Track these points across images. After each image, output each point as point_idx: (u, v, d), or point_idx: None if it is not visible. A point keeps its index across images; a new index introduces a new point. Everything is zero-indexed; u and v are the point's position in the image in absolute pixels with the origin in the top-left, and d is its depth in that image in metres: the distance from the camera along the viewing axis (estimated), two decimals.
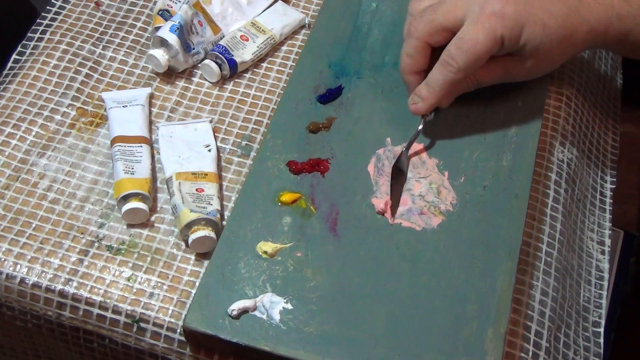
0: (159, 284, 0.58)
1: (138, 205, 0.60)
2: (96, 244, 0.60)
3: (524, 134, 0.64)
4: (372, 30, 0.71)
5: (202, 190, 0.61)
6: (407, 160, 0.62)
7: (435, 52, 0.61)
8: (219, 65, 0.70)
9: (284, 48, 0.75)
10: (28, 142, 0.66)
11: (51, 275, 0.58)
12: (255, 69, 0.73)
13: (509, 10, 0.57)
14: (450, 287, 0.55)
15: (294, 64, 0.71)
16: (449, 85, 0.60)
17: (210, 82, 0.71)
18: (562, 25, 0.59)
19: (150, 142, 0.66)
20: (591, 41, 0.62)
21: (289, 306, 0.54)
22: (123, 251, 0.60)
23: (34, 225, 0.61)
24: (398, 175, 0.61)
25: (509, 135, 0.64)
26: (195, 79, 0.72)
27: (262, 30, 0.73)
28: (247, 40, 0.72)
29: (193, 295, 0.56)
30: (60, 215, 0.62)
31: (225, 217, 0.62)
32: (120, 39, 0.74)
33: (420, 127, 0.63)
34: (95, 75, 0.71)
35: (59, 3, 0.76)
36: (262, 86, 0.71)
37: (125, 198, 0.60)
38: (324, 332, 0.53)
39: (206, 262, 0.59)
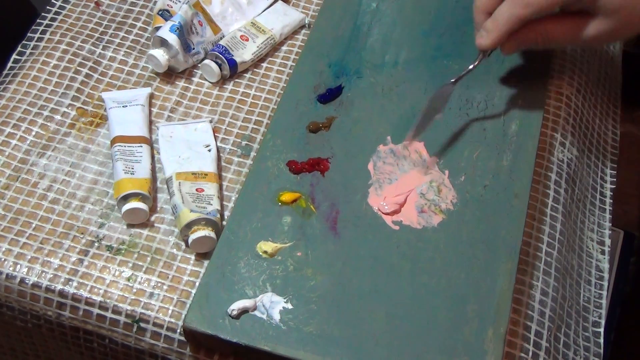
0: (159, 284, 0.58)
1: (138, 205, 0.60)
2: (96, 244, 0.60)
3: (524, 133, 0.64)
4: (372, 30, 0.71)
5: (202, 190, 0.61)
6: (448, 97, 0.62)
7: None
8: (219, 65, 0.70)
9: (284, 48, 0.75)
10: (28, 142, 0.66)
11: (51, 275, 0.58)
12: (255, 69, 0.73)
13: None
14: (450, 286, 0.55)
15: (294, 64, 0.71)
16: (515, 21, 0.58)
17: (210, 82, 0.71)
18: None
19: (150, 142, 0.66)
20: None
21: (289, 306, 0.54)
22: (123, 251, 0.60)
23: (34, 225, 0.61)
24: (432, 106, 0.61)
25: (509, 134, 0.64)
26: (195, 79, 0.72)
27: (262, 30, 0.73)
28: (247, 40, 0.72)
29: (193, 295, 0.56)
30: (60, 215, 0.62)
31: (225, 217, 0.62)
32: (120, 39, 0.74)
33: (474, 64, 0.61)
34: (95, 75, 0.71)
35: (59, 3, 0.76)
36: (262, 86, 0.71)
37: (125, 198, 0.60)
38: (324, 332, 0.53)
39: (206, 262, 0.59)
